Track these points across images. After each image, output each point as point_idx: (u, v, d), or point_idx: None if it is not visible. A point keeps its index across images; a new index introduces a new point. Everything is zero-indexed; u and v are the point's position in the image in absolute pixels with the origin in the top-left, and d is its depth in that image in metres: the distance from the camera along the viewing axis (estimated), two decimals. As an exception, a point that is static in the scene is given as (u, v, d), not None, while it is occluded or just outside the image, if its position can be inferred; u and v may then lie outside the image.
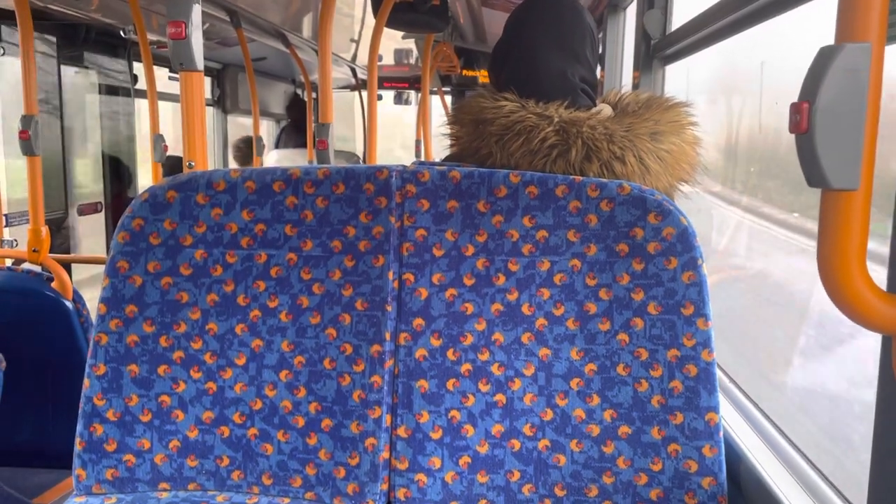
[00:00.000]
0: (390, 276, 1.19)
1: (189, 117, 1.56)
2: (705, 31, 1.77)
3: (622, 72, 2.96)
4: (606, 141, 1.20)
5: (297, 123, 6.36)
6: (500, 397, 1.17)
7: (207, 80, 5.90)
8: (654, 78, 2.31)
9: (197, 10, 1.48)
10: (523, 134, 1.22)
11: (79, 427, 1.21)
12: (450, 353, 1.18)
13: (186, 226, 1.20)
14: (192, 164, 1.58)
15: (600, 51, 2.99)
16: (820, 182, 0.66)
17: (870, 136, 0.66)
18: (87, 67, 4.13)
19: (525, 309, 1.17)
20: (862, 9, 0.64)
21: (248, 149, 5.39)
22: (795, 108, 0.67)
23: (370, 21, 3.59)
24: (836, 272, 0.68)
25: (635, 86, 2.36)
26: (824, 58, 0.65)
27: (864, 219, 0.67)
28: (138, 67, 4.39)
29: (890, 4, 0.66)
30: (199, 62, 1.51)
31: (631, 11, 2.88)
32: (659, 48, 2.27)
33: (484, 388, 1.18)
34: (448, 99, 7.17)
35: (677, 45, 2.09)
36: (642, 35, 2.33)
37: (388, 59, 6.54)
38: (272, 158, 6.02)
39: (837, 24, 0.66)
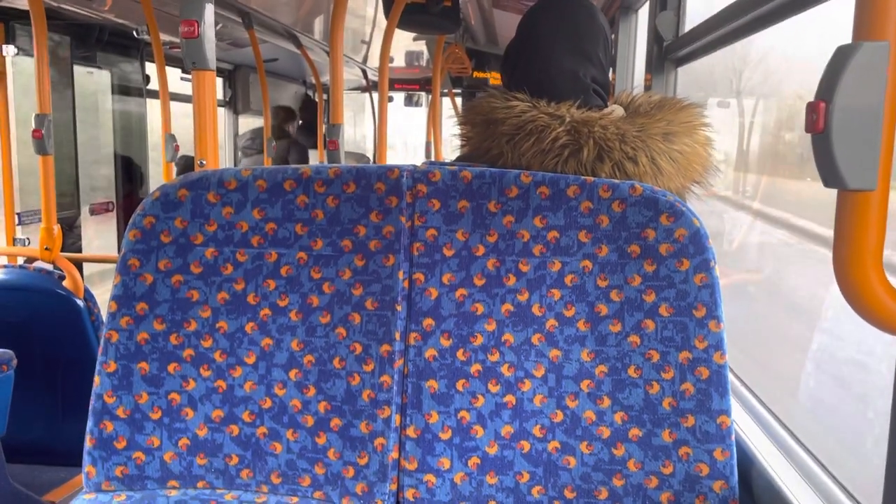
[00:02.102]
0: (400, 275, 1.19)
1: (201, 116, 1.56)
2: (718, 33, 1.76)
3: (633, 74, 2.95)
4: (618, 141, 1.20)
5: (311, 124, 6.37)
6: (509, 398, 1.17)
7: (219, 81, 5.92)
8: (665, 80, 2.30)
9: (210, 10, 1.48)
10: (534, 134, 1.21)
11: (89, 424, 1.21)
12: (459, 354, 1.18)
13: (197, 224, 1.21)
14: (204, 162, 1.58)
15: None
16: (836, 183, 0.66)
17: (887, 136, 0.65)
18: (99, 67, 4.15)
19: (535, 310, 1.16)
20: (880, 7, 0.64)
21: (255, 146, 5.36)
22: (812, 108, 0.66)
23: (382, 22, 3.60)
24: (852, 274, 0.68)
25: (647, 88, 2.35)
26: (841, 56, 0.64)
27: (881, 220, 0.67)
28: (151, 68, 4.41)
29: None
30: (212, 61, 1.51)
31: (643, 13, 2.87)
32: (671, 50, 2.26)
33: (493, 388, 1.17)
34: (458, 101, 7.17)
35: (690, 46, 2.08)
36: (654, 37, 2.32)
37: (399, 60, 6.55)
38: None
39: (855, 22, 0.65)
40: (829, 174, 0.66)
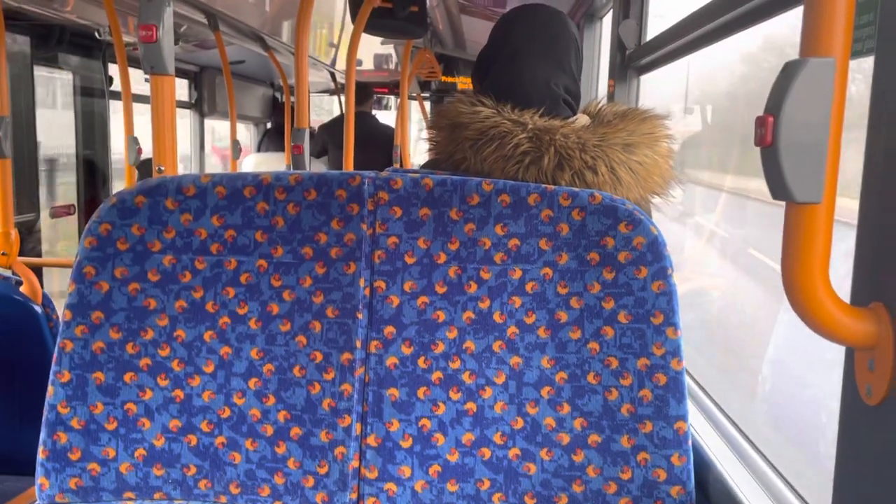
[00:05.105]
0: (361, 283, 1.18)
1: (159, 121, 1.53)
2: (679, 42, 1.78)
3: (598, 81, 2.97)
4: (579, 150, 1.20)
5: (281, 128, 6.33)
6: (470, 405, 1.17)
7: (185, 83, 5.85)
8: (629, 87, 2.33)
9: (169, 13, 1.46)
10: (497, 139, 1.22)
11: (42, 435, 1.18)
12: (421, 361, 1.18)
13: (155, 231, 1.19)
14: (162, 168, 1.55)
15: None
16: (784, 195, 0.67)
17: (833, 151, 0.67)
18: (61, 68, 4.08)
19: (497, 317, 1.17)
20: (826, 24, 0.65)
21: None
22: (760, 122, 0.67)
23: (349, 26, 3.59)
24: (799, 285, 0.69)
25: (610, 95, 2.37)
26: (789, 72, 0.66)
27: (828, 232, 0.68)
28: (114, 69, 4.34)
29: (854, 20, 0.67)
30: (170, 66, 1.48)
31: (607, 21, 2.90)
32: (634, 58, 2.29)
33: (455, 396, 1.17)
34: (427, 105, 7.18)
35: (652, 55, 2.10)
36: (617, 45, 2.34)
37: (367, 63, 6.53)
38: (250, 162, 5.98)
39: (802, 38, 0.67)
40: (778, 187, 0.67)
